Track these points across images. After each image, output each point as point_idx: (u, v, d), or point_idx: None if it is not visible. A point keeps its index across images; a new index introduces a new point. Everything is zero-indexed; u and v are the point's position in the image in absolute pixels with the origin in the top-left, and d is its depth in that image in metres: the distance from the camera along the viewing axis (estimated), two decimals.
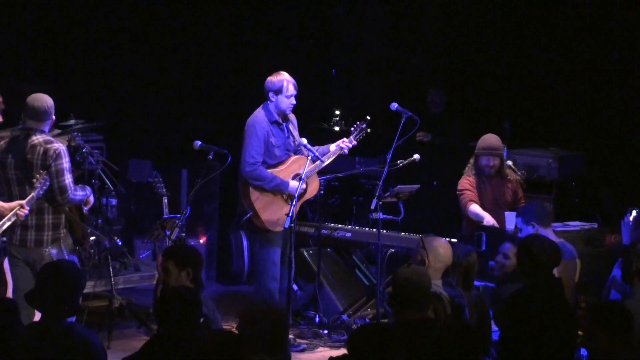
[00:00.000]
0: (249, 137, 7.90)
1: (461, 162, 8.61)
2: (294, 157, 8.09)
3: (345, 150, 8.16)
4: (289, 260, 7.90)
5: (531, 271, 5.92)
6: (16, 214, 6.73)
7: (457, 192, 8.34)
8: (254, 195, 7.94)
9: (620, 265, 6.99)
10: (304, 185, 7.94)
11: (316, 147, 8.08)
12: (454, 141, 10.45)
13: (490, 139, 8.30)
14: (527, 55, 10.73)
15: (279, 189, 7.94)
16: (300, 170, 8.00)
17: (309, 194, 8.12)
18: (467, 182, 8.32)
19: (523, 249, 6.03)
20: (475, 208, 8.18)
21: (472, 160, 8.37)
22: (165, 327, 4.99)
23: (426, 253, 6.62)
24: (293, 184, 7.94)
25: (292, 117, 8.19)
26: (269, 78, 7.98)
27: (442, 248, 6.72)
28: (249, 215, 7.98)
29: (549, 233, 7.45)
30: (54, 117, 7.07)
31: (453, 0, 11.32)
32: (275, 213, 7.96)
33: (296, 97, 8.03)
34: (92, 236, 7.88)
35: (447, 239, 8.26)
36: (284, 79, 7.92)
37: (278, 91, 7.92)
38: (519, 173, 8.35)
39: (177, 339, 4.93)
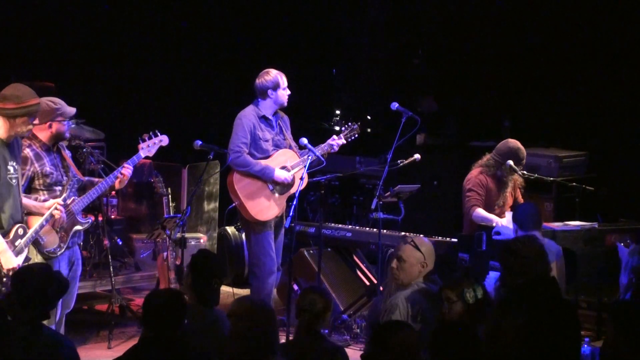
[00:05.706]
0: (235, 128, 8.01)
1: (460, 162, 8.56)
2: (280, 150, 8.12)
3: (335, 148, 8.16)
4: (290, 261, 7.90)
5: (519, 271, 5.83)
6: (52, 214, 6.61)
7: (464, 188, 8.24)
8: (239, 184, 7.98)
9: None
10: (290, 176, 7.96)
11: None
12: (447, 141, 10.43)
13: (523, 151, 8.24)
14: (528, 55, 10.72)
15: (263, 174, 7.95)
16: (287, 163, 8.06)
17: (295, 187, 8.06)
18: (477, 182, 8.18)
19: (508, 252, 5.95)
20: (480, 212, 8.06)
21: (486, 158, 8.28)
22: (150, 330, 4.91)
23: (424, 256, 6.47)
24: (279, 171, 7.97)
25: (284, 117, 8.21)
26: (260, 79, 8.02)
27: (431, 247, 6.59)
28: (234, 205, 8.01)
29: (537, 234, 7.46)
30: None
31: (453, 0, 11.32)
32: (260, 202, 7.99)
33: (295, 95, 8.12)
34: None
35: (448, 238, 8.30)
36: (276, 74, 8.02)
37: (276, 86, 8.00)
38: (519, 172, 8.30)
39: (161, 341, 4.85)
